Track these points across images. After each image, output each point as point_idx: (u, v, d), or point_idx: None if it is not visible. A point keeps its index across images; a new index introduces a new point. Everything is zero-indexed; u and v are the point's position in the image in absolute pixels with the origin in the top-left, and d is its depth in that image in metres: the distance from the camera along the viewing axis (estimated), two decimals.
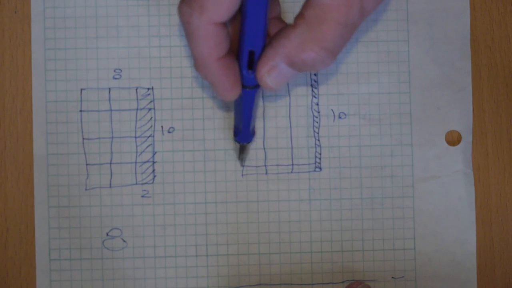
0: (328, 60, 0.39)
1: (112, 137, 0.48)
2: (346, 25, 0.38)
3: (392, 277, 0.48)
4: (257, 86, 0.41)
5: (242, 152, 0.47)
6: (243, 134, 0.45)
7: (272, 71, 0.39)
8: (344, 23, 0.37)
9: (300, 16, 0.38)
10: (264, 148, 0.48)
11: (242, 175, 0.48)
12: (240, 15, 0.39)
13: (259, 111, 0.48)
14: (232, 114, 0.48)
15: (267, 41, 0.40)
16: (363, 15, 0.38)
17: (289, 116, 0.49)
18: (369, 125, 0.49)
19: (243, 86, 0.41)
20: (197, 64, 0.40)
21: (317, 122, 0.49)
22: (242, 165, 0.48)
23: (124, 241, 0.48)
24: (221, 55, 0.39)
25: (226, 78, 0.40)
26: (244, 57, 0.40)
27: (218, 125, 0.48)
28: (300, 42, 0.38)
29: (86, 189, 0.48)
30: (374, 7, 0.38)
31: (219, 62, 0.39)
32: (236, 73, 0.40)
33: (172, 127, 0.48)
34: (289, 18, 0.47)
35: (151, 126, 0.48)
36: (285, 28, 0.39)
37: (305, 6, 0.38)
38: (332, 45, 0.38)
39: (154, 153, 0.48)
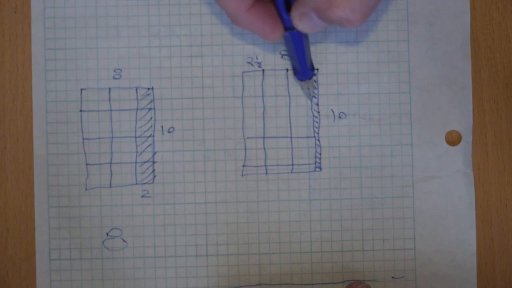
0: (356, 20, 0.39)
1: (112, 137, 0.48)
2: None
3: (392, 277, 0.48)
4: None
5: (307, 88, 0.48)
6: (302, 72, 0.46)
7: (303, 17, 0.41)
8: None
9: None
10: (264, 148, 0.48)
11: (242, 175, 0.48)
12: None
13: (259, 111, 0.48)
14: (236, 115, 0.48)
15: None
16: None
17: (289, 116, 0.49)
18: (369, 125, 0.49)
19: (287, 28, 0.42)
20: (231, 19, 0.41)
21: (317, 122, 0.49)
22: (311, 101, 0.48)
23: (124, 241, 0.48)
24: (249, 5, 0.40)
25: (263, 24, 0.41)
26: (280, 0, 0.41)
27: (218, 125, 0.48)
28: None
29: (86, 189, 0.48)
30: None
31: (250, 11, 0.40)
32: (272, 16, 0.41)
33: (172, 127, 0.48)
34: None
35: (151, 126, 0.48)
36: None
37: None
38: (360, 5, 0.38)
39: (154, 153, 0.48)
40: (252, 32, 0.46)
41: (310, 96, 0.48)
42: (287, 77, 0.48)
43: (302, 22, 0.41)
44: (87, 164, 0.48)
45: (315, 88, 0.48)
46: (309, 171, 0.48)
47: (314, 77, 0.48)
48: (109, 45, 0.48)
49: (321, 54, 0.48)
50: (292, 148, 0.48)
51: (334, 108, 0.49)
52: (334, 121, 0.49)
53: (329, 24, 0.40)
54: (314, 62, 0.48)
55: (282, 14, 0.42)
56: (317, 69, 0.49)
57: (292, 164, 0.48)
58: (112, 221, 0.48)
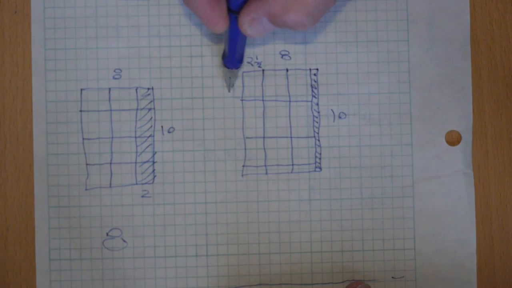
0: (309, 24, 0.41)
1: (112, 137, 0.48)
2: None
3: (392, 277, 0.48)
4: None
5: (229, 77, 0.48)
6: (228, 59, 0.46)
7: (253, 22, 0.41)
8: None
9: None
10: (264, 148, 0.48)
11: (242, 175, 0.48)
12: None
13: (259, 111, 0.48)
14: (236, 114, 0.48)
15: None
16: None
17: (289, 116, 0.49)
18: (369, 125, 0.49)
19: (230, 11, 0.42)
20: None
21: (317, 122, 0.49)
22: (229, 91, 0.48)
23: (124, 241, 0.48)
24: None
25: (212, 11, 0.41)
26: None
27: (218, 125, 0.48)
28: (285, 4, 0.40)
29: (86, 189, 0.48)
30: None
31: None
32: (222, 6, 0.41)
33: (172, 127, 0.48)
34: None
35: (151, 126, 0.48)
36: None
37: None
38: (314, 10, 0.40)
39: (154, 153, 0.48)
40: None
41: (229, 86, 0.48)
42: (287, 77, 0.48)
43: (251, 27, 0.41)
44: (87, 164, 0.48)
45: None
46: (309, 171, 0.48)
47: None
48: (109, 45, 0.48)
49: (321, 54, 0.48)
50: (292, 148, 0.48)
51: (334, 108, 0.49)
52: (334, 121, 0.49)
53: (280, 28, 0.41)
54: (314, 62, 0.48)
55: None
56: (317, 69, 0.48)
57: (292, 164, 0.48)
58: (112, 221, 0.48)
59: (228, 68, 0.47)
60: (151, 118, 0.48)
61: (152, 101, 0.48)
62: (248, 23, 0.41)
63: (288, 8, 0.40)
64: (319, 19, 0.41)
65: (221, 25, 0.42)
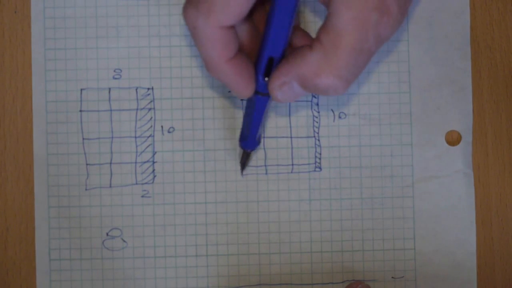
0: (342, 88, 0.38)
1: (112, 137, 0.48)
2: (361, 51, 0.37)
3: (392, 277, 0.48)
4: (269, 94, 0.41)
5: (245, 158, 0.47)
6: (249, 141, 0.45)
7: (283, 86, 0.39)
8: (359, 49, 0.37)
9: (317, 40, 0.38)
10: (264, 148, 0.48)
11: (242, 175, 0.48)
12: (251, 17, 0.39)
13: None
14: (236, 114, 0.48)
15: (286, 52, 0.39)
16: (379, 42, 0.37)
17: (289, 116, 0.49)
18: (369, 125, 0.49)
19: (257, 92, 0.40)
20: (208, 66, 0.39)
21: (317, 122, 0.49)
22: (242, 173, 0.48)
23: (124, 241, 0.48)
24: (231, 56, 0.39)
25: (239, 78, 0.39)
26: (263, 63, 0.39)
27: (218, 125, 0.48)
28: (316, 67, 0.38)
29: (86, 189, 0.48)
30: (389, 33, 0.38)
31: (230, 63, 0.39)
32: (249, 71, 0.40)
33: (172, 127, 0.48)
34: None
35: (151, 126, 0.48)
36: (303, 48, 0.38)
37: (321, 30, 0.37)
38: (347, 73, 0.38)
39: (154, 153, 0.48)
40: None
41: (244, 167, 0.47)
42: None
43: (282, 91, 0.39)
44: (87, 164, 0.48)
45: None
46: (309, 171, 0.48)
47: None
48: (109, 45, 0.48)
49: None
50: (292, 148, 0.48)
51: (334, 108, 0.49)
52: (334, 121, 0.49)
53: (311, 93, 0.39)
54: None
55: (258, 77, 0.40)
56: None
57: (292, 164, 0.48)
58: (112, 221, 0.48)
59: (245, 149, 0.46)
60: (151, 118, 0.48)
61: (152, 101, 0.48)
62: (278, 88, 0.39)
63: (319, 71, 0.38)
64: (352, 82, 0.39)
65: (250, 89, 0.40)
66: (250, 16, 0.40)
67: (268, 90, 0.40)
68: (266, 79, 0.40)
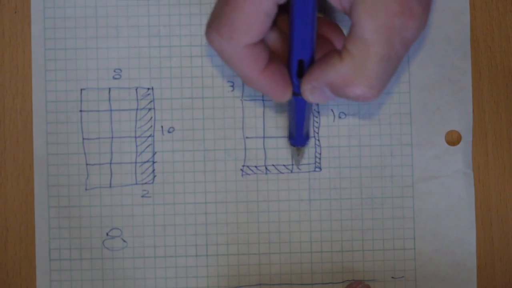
0: (372, 97, 0.38)
1: (112, 137, 0.48)
2: (389, 58, 0.37)
3: (392, 277, 0.48)
4: None
5: (297, 154, 0.47)
6: (296, 138, 0.45)
7: (314, 90, 0.39)
8: (388, 56, 0.36)
9: (345, 50, 0.37)
10: (264, 148, 0.48)
11: (242, 175, 0.48)
12: (276, 24, 0.39)
13: (259, 111, 0.48)
14: (236, 114, 0.48)
15: (316, 51, 0.39)
16: (406, 45, 0.37)
17: None
18: (369, 125, 0.49)
19: (294, 94, 0.40)
20: (244, 81, 0.40)
21: (317, 122, 0.49)
22: (298, 168, 0.48)
23: (124, 241, 0.48)
24: (263, 67, 0.39)
25: (275, 85, 0.39)
26: (294, 66, 0.39)
27: (218, 125, 0.48)
28: (346, 77, 0.37)
29: (86, 189, 0.48)
30: (416, 35, 0.37)
31: (263, 74, 0.39)
32: (283, 77, 0.40)
33: (172, 127, 0.48)
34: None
35: (151, 126, 0.48)
36: (333, 56, 0.38)
37: (349, 41, 0.37)
38: (377, 82, 0.37)
39: (154, 153, 0.48)
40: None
41: (298, 163, 0.48)
42: None
43: (313, 95, 0.39)
44: (87, 164, 0.48)
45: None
46: (309, 171, 0.48)
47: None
48: (109, 45, 0.48)
49: None
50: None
51: (334, 108, 0.49)
52: (334, 121, 0.49)
53: (342, 98, 0.39)
54: None
55: (293, 79, 0.40)
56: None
57: (292, 164, 0.48)
58: (112, 221, 0.48)
59: (296, 146, 0.46)
60: (151, 118, 0.48)
61: (152, 101, 0.48)
62: (310, 91, 0.39)
63: (349, 81, 0.37)
64: (382, 90, 0.38)
65: (287, 94, 0.40)
66: (274, 24, 0.40)
67: (301, 92, 0.40)
68: (300, 79, 0.40)
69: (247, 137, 0.48)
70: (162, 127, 0.48)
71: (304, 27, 0.38)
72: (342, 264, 0.48)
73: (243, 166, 0.48)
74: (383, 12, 0.35)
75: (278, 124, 0.48)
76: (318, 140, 0.48)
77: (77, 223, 0.48)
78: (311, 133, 0.48)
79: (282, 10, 0.38)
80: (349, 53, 0.37)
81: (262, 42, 0.38)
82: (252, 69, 0.38)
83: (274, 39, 0.40)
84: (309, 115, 0.44)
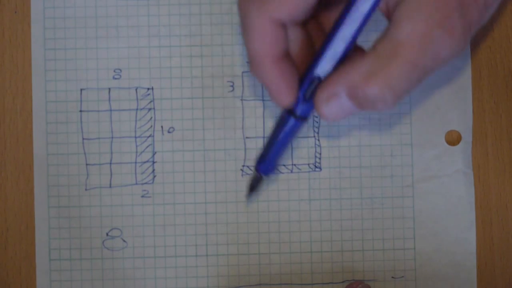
0: (391, 101, 0.36)
1: (112, 137, 0.48)
2: (416, 66, 0.35)
3: (392, 277, 0.48)
4: (305, 119, 0.38)
5: (255, 183, 0.43)
6: (266, 164, 0.41)
7: (331, 99, 0.37)
8: (415, 63, 0.35)
9: (371, 48, 0.36)
10: None
11: (242, 175, 0.48)
12: (305, 26, 0.37)
13: (259, 111, 0.48)
14: (236, 114, 0.48)
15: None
16: (436, 61, 0.36)
17: None
18: (369, 125, 0.49)
19: (291, 113, 0.38)
20: (252, 63, 0.37)
21: (317, 122, 0.49)
22: (247, 200, 0.47)
23: (124, 241, 0.48)
24: (278, 56, 0.37)
25: (282, 83, 0.37)
26: (308, 79, 0.37)
27: (218, 125, 0.48)
28: (366, 72, 0.35)
29: (86, 189, 0.48)
30: (449, 54, 0.36)
31: (275, 64, 0.37)
32: (293, 80, 0.37)
33: (172, 127, 0.48)
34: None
35: (151, 126, 0.48)
36: (354, 56, 0.37)
37: (378, 40, 0.36)
38: (398, 84, 0.35)
39: (154, 153, 0.48)
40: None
41: (251, 197, 0.47)
42: None
43: (328, 105, 0.37)
44: (87, 164, 0.48)
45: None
46: (309, 171, 0.48)
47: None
48: (109, 45, 0.48)
49: None
50: (292, 148, 0.48)
51: None
52: None
53: (360, 108, 0.37)
54: None
55: (300, 94, 0.37)
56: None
57: (292, 164, 0.48)
58: (112, 221, 0.48)
59: (261, 174, 0.42)
60: (151, 118, 0.48)
61: (152, 101, 0.48)
62: (326, 101, 0.36)
63: (369, 77, 0.35)
64: (401, 98, 0.36)
65: (290, 98, 0.38)
66: (304, 25, 0.39)
67: (315, 106, 0.37)
68: (306, 99, 0.38)
69: (247, 137, 0.48)
70: (162, 127, 0.48)
71: (345, 39, 0.36)
72: (342, 264, 0.48)
73: (243, 166, 0.48)
74: (424, 19, 0.34)
75: None
76: (318, 140, 0.48)
77: (77, 223, 0.48)
78: (311, 133, 0.48)
79: (315, 16, 0.37)
80: (374, 49, 0.36)
81: (286, 32, 0.37)
82: (266, 50, 0.37)
83: (296, 39, 0.39)
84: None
